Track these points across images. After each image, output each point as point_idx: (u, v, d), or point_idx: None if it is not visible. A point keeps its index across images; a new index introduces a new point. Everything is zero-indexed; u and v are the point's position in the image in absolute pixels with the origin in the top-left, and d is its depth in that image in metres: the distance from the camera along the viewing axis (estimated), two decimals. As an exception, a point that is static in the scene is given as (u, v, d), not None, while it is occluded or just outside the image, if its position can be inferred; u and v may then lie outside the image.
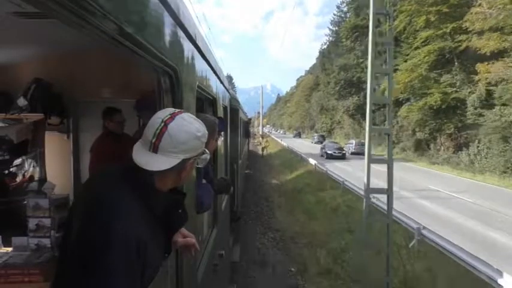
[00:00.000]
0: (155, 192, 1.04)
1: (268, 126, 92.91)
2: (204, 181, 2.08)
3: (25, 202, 2.17)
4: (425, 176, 18.58)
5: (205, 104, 2.62)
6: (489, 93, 20.90)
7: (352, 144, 31.88)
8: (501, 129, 18.88)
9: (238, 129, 7.68)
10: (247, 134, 13.47)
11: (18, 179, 3.20)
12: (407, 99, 28.35)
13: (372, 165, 4.92)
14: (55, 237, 2.05)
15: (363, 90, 37.81)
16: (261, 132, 40.35)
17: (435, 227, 7.30)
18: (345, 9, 51.76)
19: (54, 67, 3.16)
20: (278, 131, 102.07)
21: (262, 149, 28.68)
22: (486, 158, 19.95)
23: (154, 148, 1.01)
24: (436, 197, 12.56)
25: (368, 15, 5.54)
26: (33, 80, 3.10)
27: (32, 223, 2.07)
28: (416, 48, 27.08)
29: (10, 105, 3.04)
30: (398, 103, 29.00)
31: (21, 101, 3.07)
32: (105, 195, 0.98)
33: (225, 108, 3.62)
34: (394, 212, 5.38)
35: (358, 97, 40.13)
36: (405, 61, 27.79)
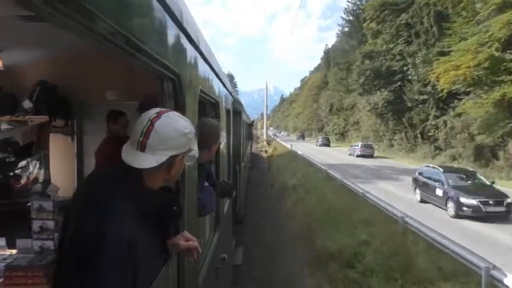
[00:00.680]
0: (146, 190, 1.06)
1: (271, 128, 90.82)
2: (206, 184, 2.09)
3: (29, 204, 2.19)
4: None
5: (207, 107, 2.63)
6: None
7: (357, 146, 30.62)
8: None
9: (241, 131, 7.69)
10: (250, 137, 13.42)
11: (23, 180, 3.23)
12: (466, 93, 20.88)
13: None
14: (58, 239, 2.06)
15: (393, 82, 32.53)
16: (265, 136, 37.25)
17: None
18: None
19: (59, 70, 3.19)
20: (282, 133, 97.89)
21: (268, 157, 23.77)
22: None
23: (142, 147, 1.03)
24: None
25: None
26: (38, 82, 3.13)
27: (35, 225, 2.09)
28: (478, 22, 19.02)
29: (16, 107, 3.08)
30: (449, 97, 22.40)
31: (27, 103, 3.10)
32: (97, 195, 1.00)
33: (227, 111, 3.63)
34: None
35: (391, 90, 32.78)
36: (460, 41, 20.21)
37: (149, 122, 1.04)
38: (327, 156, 28.32)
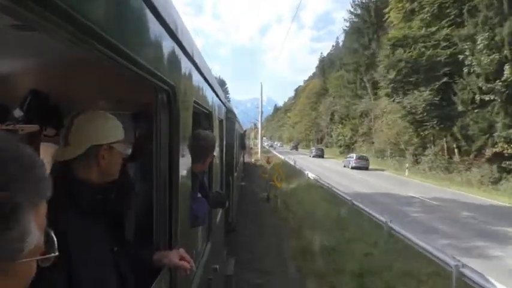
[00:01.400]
0: (79, 182, 1.12)
1: (265, 138, 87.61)
2: (199, 195, 2.08)
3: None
4: None
5: (201, 117, 2.64)
6: None
7: (352, 158, 29.80)
8: None
9: (234, 142, 7.69)
10: (243, 146, 13.44)
11: (11, 190, 3.16)
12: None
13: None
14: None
15: (437, 78, 24.04)
16: (259, 146, 33.38)
17: None
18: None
19: (51, 79, 3.16)
20: (275, 143, 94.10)
21: (270, 188, 12.64)
22: None
23: (66, 142, 1.14)
24: None
25: None
26: (29, 91, 3.10)
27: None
28: None
29: (6, 116, 3.04)
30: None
31: (18, 112, 3.06)
32: None
33: (220, 121, 3.65)
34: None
35: (434, 89, 24.10)
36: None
37: (70, 119, 1.15)
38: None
